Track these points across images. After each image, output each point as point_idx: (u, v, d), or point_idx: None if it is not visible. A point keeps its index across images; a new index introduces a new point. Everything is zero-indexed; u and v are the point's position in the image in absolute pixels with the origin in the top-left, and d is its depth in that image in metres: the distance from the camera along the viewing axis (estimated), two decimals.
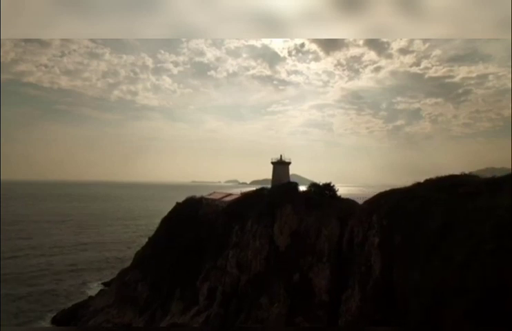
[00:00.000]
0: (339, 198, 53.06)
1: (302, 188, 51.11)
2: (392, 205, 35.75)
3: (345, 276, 37.30)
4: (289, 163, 51.91)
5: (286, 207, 40.15)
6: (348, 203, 49.31)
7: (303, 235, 40.10)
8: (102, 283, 78.90)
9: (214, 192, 65.79)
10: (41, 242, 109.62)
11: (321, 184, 57.78)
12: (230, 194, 58.77)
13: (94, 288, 75.01)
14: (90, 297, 69.20)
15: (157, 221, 68.58)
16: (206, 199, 60.80)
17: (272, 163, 52.41)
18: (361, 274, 34.34)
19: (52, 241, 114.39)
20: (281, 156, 52.56)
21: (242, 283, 39.79)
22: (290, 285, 38.16)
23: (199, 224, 52.10)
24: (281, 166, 51.01)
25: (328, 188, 55.07)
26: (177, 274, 48.15)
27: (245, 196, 50.56)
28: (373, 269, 32.24)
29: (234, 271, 40.99)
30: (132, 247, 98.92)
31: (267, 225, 40.69)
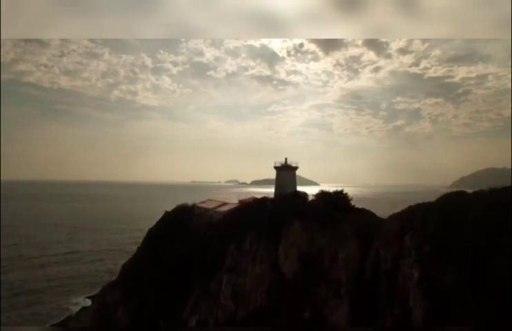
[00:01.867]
0: (355, 210, 45.02)
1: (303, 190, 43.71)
2: (435, 224, 27.79)
3: (369, 314, 29.35)
4: (295, 168, 43.68)
5: (293, 224, 32.21)
6: (366, 216, 41.24)
7: (315, 259, 32.16)
8: (87, 297, 71.89)
9: (208, 200, 57.76)
10: (30, 251, 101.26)
11: (331, 192, 49.80)
12: (225, 203, 50.78)
13: (79, 303, 68.06)
14: (69, 317, 61.79)
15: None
16: (199, 208, 52.95)
17: (276, 167, 44.19)
18: (393, 317, 26.30)
19: (42, 247, 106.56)
20: (286, 159, 44.37)
21: (239, 318, 31.89)
22: (300, 324, 30.26)
23: (189, 239, 44.11)
24: (286, 172, 42.80)
25: (340, 197, 47.14)
26: (162, 300, 40.23)
27: (244, 207, 42.60)
28: (414, 315, 24.24)
29: (228, 303, 33.06)
30: (124, 256, 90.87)
31: (269, 245, 32.76)
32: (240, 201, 54.64)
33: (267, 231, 34.04)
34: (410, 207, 33.58)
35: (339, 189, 49.13)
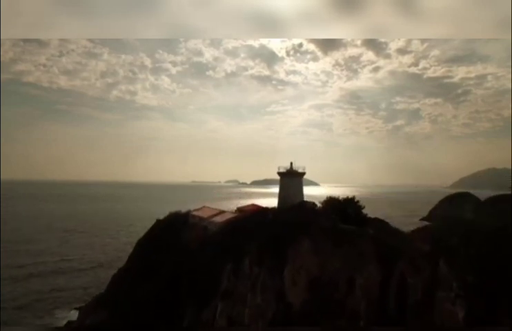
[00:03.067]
0: (370, 221, 39.67)
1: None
2: (479, 243, 22.44)
3: None
4: (302, 175, 38.14)
5: (301, 243, 26.84)
6: (385, 229, 35.82)
7: (328, 286, 26.79)
8: (75, 308, 66.43)
9: (204, 207, 52.35)
10: (15, 261, 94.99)
11: (340, 199, 44.40)
12: (222, 212, 45.42)
13: (64, 317, 62.46)
14: None
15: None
16: (193, 216, 47.67)
17: (280, 174, 38.67)
18: None
19: (30, 256, 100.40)
20: (291, 164, 38.73)
21: None
22: None
23: (181, 255, 38.75)
24: (291, 179, 37.18)
25: (352, 206, 41.76)
26: (148, 327, 34.85)
27: (242, 218, 37.20)
28: None
29: None
30: (114, 266, 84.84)
31: (273, 269, 27.38)
32: (238, 209, 49.41)
33: (269, 251, 28.66)
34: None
35: (350, 195, 43.83)
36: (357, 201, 42.57)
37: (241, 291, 28.45)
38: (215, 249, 33.60)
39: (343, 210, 41.33)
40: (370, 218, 45.16)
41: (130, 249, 68.77)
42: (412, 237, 28.53)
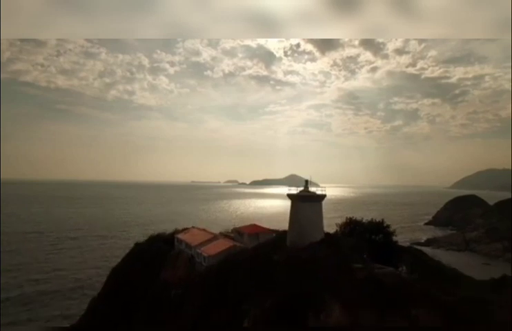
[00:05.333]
0: (402, 250, 31.00)
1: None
2: None
3: None
4: (322, 198, 28.31)
5: (328, 311, 17.93)
6: (427, 264, 26.94)
7: None
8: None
9: (192, 229, 42.99)
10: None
11: (364, 222, 35.52)
12: (213, 237, 36.32)
13: None
14: None
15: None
16: (179, 240, 38.67)
17: (291, 196, 28.90)
18: None
19: (13, 269, 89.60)
20: (306, 182, 28.82)
21: None
22: None
23: (158, 298, 29.84)
24: (309, 205, 26.98)
25: (380, 231, 32.98)
26: None
27: (241, 254, 28.16)
28: None
29: None
30: (97, 287, 73.64)
31: None
32: (235, 230, 39.97)
33: (279, 309, 19.76)
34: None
35: (377, 219, 34.98)
36: (386, 225, 33.89)
37: None
38: (204, 299, 24.66)
39: (369, 237, 32.74)
40: (402, 246, 36.38)
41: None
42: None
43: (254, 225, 39.57)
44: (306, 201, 27.18)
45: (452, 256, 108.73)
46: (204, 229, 41.71)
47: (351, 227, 34.60)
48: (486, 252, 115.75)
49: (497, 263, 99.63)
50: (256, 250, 27.29)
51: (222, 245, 32.07)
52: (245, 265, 24.52)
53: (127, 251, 44.61)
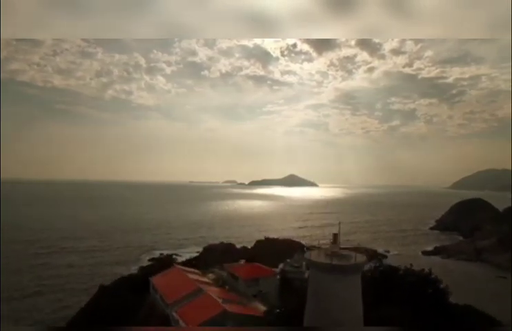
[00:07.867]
0: (453, 307, 23.74)
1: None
2: None
3: None
4: (362, 266, 18.99)
5: None
6: None
7: None
8: None
9: (174, 269, 35.43)
10: None
11: (400, 270, 28.05)
12: (197, 289, 28.86)
13: None
14: None
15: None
16: (155, 288, 30.79)
17: (311, 264, 18.85)
18: None
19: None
20: (335, 236, 19.42)
21: None
22: None
23: None
24: (342, 278, 17.45)
25: (430, 285, 25.73)
26: None
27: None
28: None
29: None
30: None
31: None
32: (229, 268, 31.66)
33: None
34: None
35: (425, 269, 27.50)
36: (436, 280, 26.66)
37: None
38: None
39: (415, 291, 25.44)
40: (456, 304, 28.88)
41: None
42: None
43: (252, 267, 31.66)
44: (336, 273, 17.45)
45: (464, 267, 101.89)
46: (186, 272, 33.98)
47: (382, 271, 26.99)
48: (498, 263, 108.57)
49: None
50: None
51: (206, 309, 24.39)
52: None
53: (94, 280, 37.17)
